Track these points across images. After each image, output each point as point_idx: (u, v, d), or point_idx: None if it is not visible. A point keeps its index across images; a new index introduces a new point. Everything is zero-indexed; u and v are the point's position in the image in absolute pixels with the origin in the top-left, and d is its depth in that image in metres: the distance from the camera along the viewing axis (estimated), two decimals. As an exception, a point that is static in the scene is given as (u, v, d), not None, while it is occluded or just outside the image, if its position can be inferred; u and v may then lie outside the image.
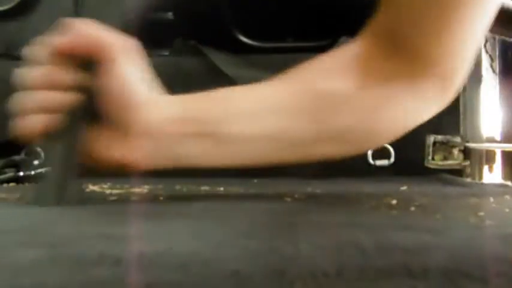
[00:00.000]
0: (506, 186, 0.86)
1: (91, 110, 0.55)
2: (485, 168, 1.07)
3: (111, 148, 0.56)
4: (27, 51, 0.55)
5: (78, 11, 1.10)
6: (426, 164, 1.02)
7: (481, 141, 1.06)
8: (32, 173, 0.89)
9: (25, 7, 1.11)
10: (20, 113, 0.55)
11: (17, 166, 0.91)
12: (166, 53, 1.12)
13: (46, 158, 0.56)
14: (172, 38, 1.11)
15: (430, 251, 0.37)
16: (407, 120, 0.64)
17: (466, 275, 0.30)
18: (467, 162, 1.03)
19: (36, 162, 1.01)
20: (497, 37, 1.11)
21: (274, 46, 1.07)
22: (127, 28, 0.57)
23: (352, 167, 0.79)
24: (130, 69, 0.56)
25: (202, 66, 1.03)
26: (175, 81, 1.03)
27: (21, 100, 0.55)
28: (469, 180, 1.01)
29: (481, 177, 1.05)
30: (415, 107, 0.63)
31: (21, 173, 0.89)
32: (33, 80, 0.55)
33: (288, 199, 0.63)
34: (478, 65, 1.07)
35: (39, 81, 0.55)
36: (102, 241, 0.39)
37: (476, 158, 1.05)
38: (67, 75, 0.55)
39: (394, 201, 0.60)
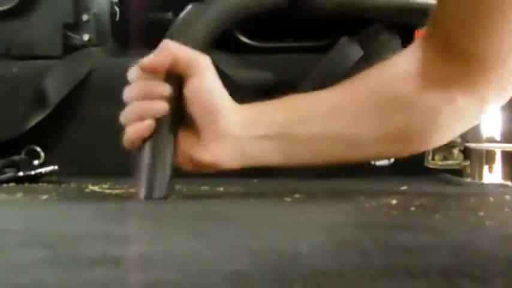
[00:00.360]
0: (506, 186, 0.86)
1: (180, 117, 0.64)
2: (485, 168, 1.07)
3: (198, 150, 0.64)
4: (129, 72, 0.65)
5: (77, 11, 1.10)
6: (426, 164, 1.02)
7: (481, 141, 1.06)
8: (32, 173, 0.89)
9: (25, 7, 1.11)
10: (125, 123, 0.63)
11: (17, 166, 0.91)
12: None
13: (144, 159, 0.63)
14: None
15: (430, 251, 0.37)
16: (465, 122, 0.68)
17: (466, 275, 0.30)
18: (467, 162, 1.03)
19: (36, 162, 1.01)
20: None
21: (274, 46, 1.07)
22: (202, 47, 0.66)
23: (352, 167, 0.79)
24: (211, 81, 0.64)
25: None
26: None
27: (125, 113, 0.64)
28: (469, 180, 1.01)
29: (481, 177, 1.05)
30: (472, 108, 0.66)
31: (21, 173, 0.89)
32: (133, 94, 0.64)
33: (288, 199, 0.64)
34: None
35: (137, 94, 0.64)
36: (102, 241, 0.39)
37: (476, 158, 1.05)
38: (160, 88, 0.63)
39: (394, 201, 0.60)
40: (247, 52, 1.05)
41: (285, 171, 0.65)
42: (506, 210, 0.55)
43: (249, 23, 1.06)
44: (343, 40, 1.01)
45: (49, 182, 0.88)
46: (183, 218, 0.52)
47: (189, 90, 0.63)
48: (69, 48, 1.10)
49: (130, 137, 0.63)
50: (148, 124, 0.63)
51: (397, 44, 1.00)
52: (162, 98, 0.63)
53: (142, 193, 0.62)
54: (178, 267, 0.32)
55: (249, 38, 1.08)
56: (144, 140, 0.63)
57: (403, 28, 1.03)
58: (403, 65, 0.67)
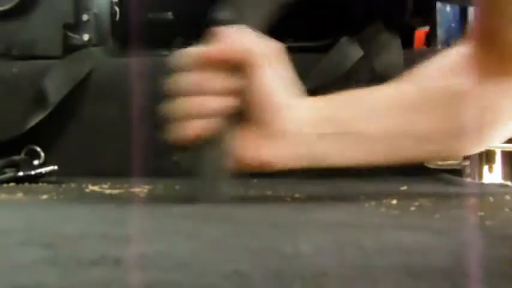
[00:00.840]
0: (506, 186, 0.86)
1: (239, 113, 0.59)
2: (485, 168, 1.07)
3: (255, 149, 0.59)
4: (173, 58, 0.58)
5: (77, 11, 1.10)
6: (426, 164, 1.02)
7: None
8: (32, 173, 0.89)
9: (25, 7, 1.11)
10: (176, 119, 0.57)
11: (17, 166, 0.91)
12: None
13: (201, 159, 0.59)
14: (172, 38, 1.11)
15: (430, 251, 0.37)
16: None
17: (466, 275, 0.30)
18: (467, 162, 1.03)
19: (36, 162, 1.01)
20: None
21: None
22: (267, 28, 0.59)
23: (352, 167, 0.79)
24: (274, 74, 0.59)
25: None
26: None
27: (176, 106, 0.57)
28: (469, 180, 1.01)
29: (481, 177, 1.05)
30: None
31: (21, 173, 0.89)
32: (187, 87, 0.57)
33: (288, 199, 0.64)
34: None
35: (193, 87, 0.57)
36: (102, 241, 0.39)
37: (476, 158, 1.05)
38: (219, 81, 0.57)
39: (394, 201, 0.60)
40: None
41: (285, 171, 0.64)
42: (506, 210, 0.55)
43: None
44: (343, 40, 1.01)
45: (49, 182, 0.88)
46: (183, 218, 0.52)
47: (249, 83, 0.58)
48: (69, 48, 1.10)
49: (189, 135, 0.57)
50: (212, 122, 0.57)
51: (397, 44, 1.00)
52: (223, 92, 0.57)
53: (203, 195, 0.59)
54: (178, 267, 0.32)
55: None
56: (202, 139, 0.58)
57: (403, 28, 1.03)
58: (454, 59, 0.66)
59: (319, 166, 0.62)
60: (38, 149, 1.04)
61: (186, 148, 0.58)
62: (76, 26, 1.11)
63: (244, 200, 0.66)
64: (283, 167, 0.60)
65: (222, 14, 0.58)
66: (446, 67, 0.66)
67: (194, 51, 0.57)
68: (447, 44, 1.02)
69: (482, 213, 0.52)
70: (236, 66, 0.57)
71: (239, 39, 0.58)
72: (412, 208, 0.56)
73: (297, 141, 0.60)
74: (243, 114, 0.59)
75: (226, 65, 0.57)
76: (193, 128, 0.57)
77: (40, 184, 0.86)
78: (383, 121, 0.62)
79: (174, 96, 0.57)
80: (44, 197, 0.67)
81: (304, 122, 0.60)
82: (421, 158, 0.67)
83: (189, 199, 0.60)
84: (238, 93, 0.58)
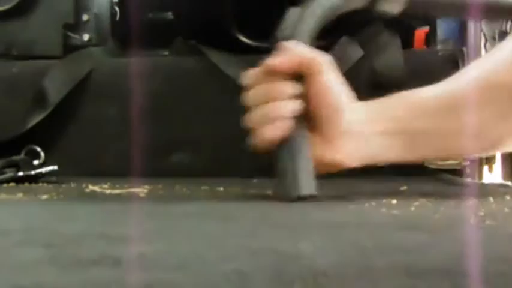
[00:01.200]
0: (506, 186, 0.86)
1: (306, 116, 0.63)
2: (485, 168, 1.07)
3: (321, 149, 0.63)
4: (246, 77, 0.65)
5: (77, 11, 1.10)
6: (426, 164, 1.02)
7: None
8: (32, 173, 0.89)
9: (25, 7, 1.11)
10: (255, 127, 0.63)
11: (17, 166, 0.91)
12: (166, 53, 1.12)
13: (285, 159, 0.62)
14: (172, 38, 1.11)
15: (430, 251, 0.37)
16: None
17: (465, 275, 0.30)
18: (467, 162, 1.03)
19: (36, 162, 1.01)
20: (497, 37, 1.11)
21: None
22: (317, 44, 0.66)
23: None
24: (333, 79, 0.64)
25: (202, 66, 1.03)
26: (175, 81, 1.03)
27: (253, 116, 0.63)
28: (469, 180, 1.01)
29: (481, 177, 1.05)
30: None
31: (21, 173, 0.89)
32: (258, 97, 0.63)
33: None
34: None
35: (264, 96, 0.63)
36: (102, 241, 0.39)
37: (476, 158, 1.05)
38: (287, 88, 0.63)
39: (394, 201, 0.60)
40: (247, 52, 1.05)
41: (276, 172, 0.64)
42: (506, 210, 0.55)
43: (249, 23, 1.06)
44: (343, 40, 1.01)
45: (49, 182, 0.88)
46: (183, 218, 0.52)
47: (312, 89, 0.63)
48: (69, 48, 1.10)
49: (268, 138, 0.62)
50: (287, 123, 0.62)
51: (397, 44, 1.00)
52: (291, 97, 0.63)
53: (292, 193, 0.61)
54: (178, 267, 0.32)
55: (249, 38, 1.08)
56: (280, 142, 0.62)
57: (403, 28, 1.03)
58: (505, 54, 0.68)
59: (375, 163, 0.66)
60: (38, 149, 1.04)
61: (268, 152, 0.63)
62: (76, 26, 1.10)
63: (244, 199, 0.66)
64: (345, 165, 0.64)
65: (281, 32, 0.66)
66: (497, 61, 0.68)
67: (268, 63, 0.63)
68: (447, 44, 1.02)
69: (482, 213, 0.52)
70: (299, 75, 0.63)
71: (300, 51, 0.64)
72: (412, 208, 0.56)
73: (360, 140, 0.64)
74: (308, 118, 0.63)
75: (291, 74, 0.63)
76: (271, 131, 0.62)
77: (40, 184, 0.86)
78: (437, 118, 0.66)
79: (250, 108, 0.63)
80: (44, 197, 0.67)
81: (364, 122, 0.65)
82: (470, 152, 0.71)
83: (272, 198, 0.64)
84: (303, 98, 0.63)
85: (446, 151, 0.69)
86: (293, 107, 0.62)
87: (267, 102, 0.62)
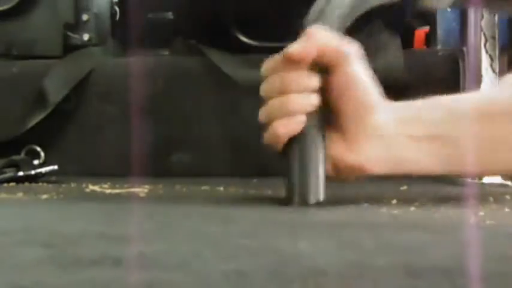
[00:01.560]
0: (506, 186, 0.86)
1: (327, 111, 0.57)
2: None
3: (343, 151, 0.57)
4: (264, 65, 0.58)
5: (77, 11, 1.10)
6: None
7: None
8: (32, 172, 0.89)
9: (25, 7, 1.11)
10: (268, 121, 0.56)
11: (17, 166, 0.91)
12: (166, 53, 1.12)
13: (294, 159, 0.57)
14: (172, 38, 1.11)
15: (430, 251, 0.37)
16: None
17: (465, 275, 0.30)
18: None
19: (36, 162, 1.01)
20: (497, 37, 1.11)
21: (274, 46, 1.07)
22: (345, 32, 0.60)
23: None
24: (360, 72, 0.57)
25: (202, 66, 1.03)
26: (175, 81, 1.03)
27: (266, 109, 0.57)
28: (469, 180, 1.01)
29: (481, 177, 1.05)
30: None
31: (21, 173, 0.89)
32: (274, 87, 0.57)
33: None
34: (478, 65, 1.07)
35: (281, 87, 0.56)
36: (102, 241, 0.39)
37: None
38: (308, 79, 0.56)
39: (394, 201, 0.60)
40: (247, 52, 1.05)
41: (285, 171, 0.64)
42: (506, 210, 0.55)
43: (249, 23, 1.06)
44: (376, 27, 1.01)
45: (49, 182, 0.88)
46: (182, 218, 0.52)
47: (335, 82, 0.56)
48: (69, 48, 1.10)
49: (278, 133, 0.56)
50: (300, 119, 0.55)
51: (397, 44, 1.00)
52: (310, 91, 0.56)
53: (295, 198, 0.56)
54: (178, 266, 0.32)
55: (249, 38, 1.08)
56: (291, 139, 0.56)
57: (403, 28, 1.03)
58: None
59: (406, 172, 0.59)
60: (38, 149, 1.04)
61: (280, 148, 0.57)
62: (76, 26, 1.10)
63: (244, 199, 0.66)
64: (370, 172, 0.58)
65: (308, 17, 0.60)
66: None
67: (287, 51, 0.56)
68: (447, 44, 1.02)
69: (482, 213, 0.52)
70: (323, 65, 0.56)
71: (324, 38, 0.57)
72: (412, 208, 0.56)
73: (386, 143, 0.57)
74: (329, 114, 0.57)
75: (313, 64, 0.56)
76: (282, 127, 0.56)
77: (40, 184, 0.86)
78: (470, 126, 0.58)
79: (265, 99, 0.57)
80: (44, 196, 0.67)
81: (394, 123, 0.58)
82: (503, 168, 0.61)
83: (281, 202, 0.58)
84: (326, 91, 0.57)
85: (483, 161, 0.58)
86: (309, 101, 0.56)
87: (282, 94, 0.56)
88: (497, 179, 1.05)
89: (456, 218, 0.52)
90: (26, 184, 0.85)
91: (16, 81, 1.07)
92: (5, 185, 0.85)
